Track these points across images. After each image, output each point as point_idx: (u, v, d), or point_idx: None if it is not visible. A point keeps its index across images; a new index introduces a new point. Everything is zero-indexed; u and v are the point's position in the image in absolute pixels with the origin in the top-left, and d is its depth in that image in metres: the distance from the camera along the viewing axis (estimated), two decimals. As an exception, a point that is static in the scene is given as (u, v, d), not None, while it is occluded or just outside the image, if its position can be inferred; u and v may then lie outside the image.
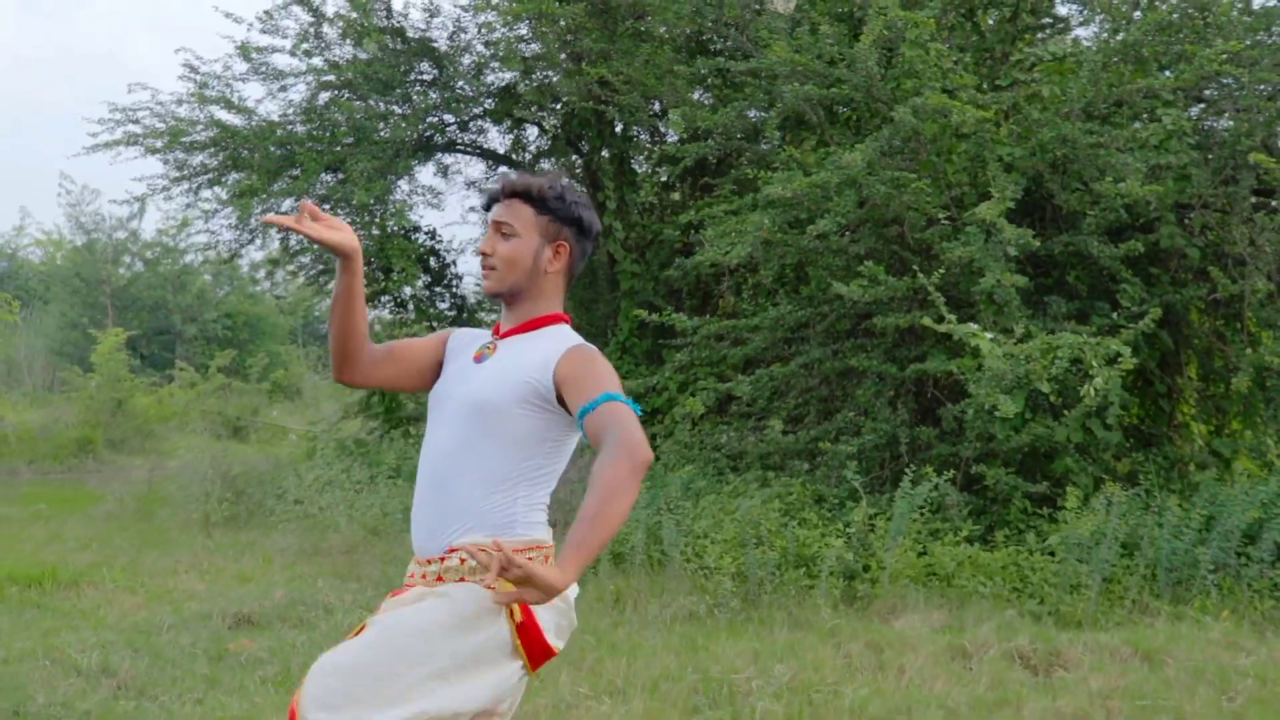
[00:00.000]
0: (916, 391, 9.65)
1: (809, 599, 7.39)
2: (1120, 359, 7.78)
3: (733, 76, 10.97)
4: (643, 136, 14.17)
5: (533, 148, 15.74)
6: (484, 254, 3.15)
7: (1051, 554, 7.76)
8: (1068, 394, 8.24)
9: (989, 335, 7.95)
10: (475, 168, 16.49)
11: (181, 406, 24.09)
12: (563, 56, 12.55)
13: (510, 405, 3.03)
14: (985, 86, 9.85)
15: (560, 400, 3.01)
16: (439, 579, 3.03)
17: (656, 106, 12.88)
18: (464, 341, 3.30)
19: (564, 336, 3.12)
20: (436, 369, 3.30)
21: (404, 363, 3.28)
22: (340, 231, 2.97)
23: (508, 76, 13.91)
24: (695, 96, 11.83)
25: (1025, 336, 8.00)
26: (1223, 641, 6.42)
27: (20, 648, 6.52)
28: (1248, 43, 9.23)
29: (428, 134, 14.10)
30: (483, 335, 3.28)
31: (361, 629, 3.04)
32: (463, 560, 2.96)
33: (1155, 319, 8.50)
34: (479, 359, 3.17)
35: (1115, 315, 8.85)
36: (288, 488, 11.33)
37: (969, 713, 5.33)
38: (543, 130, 15.04)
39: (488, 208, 3.20)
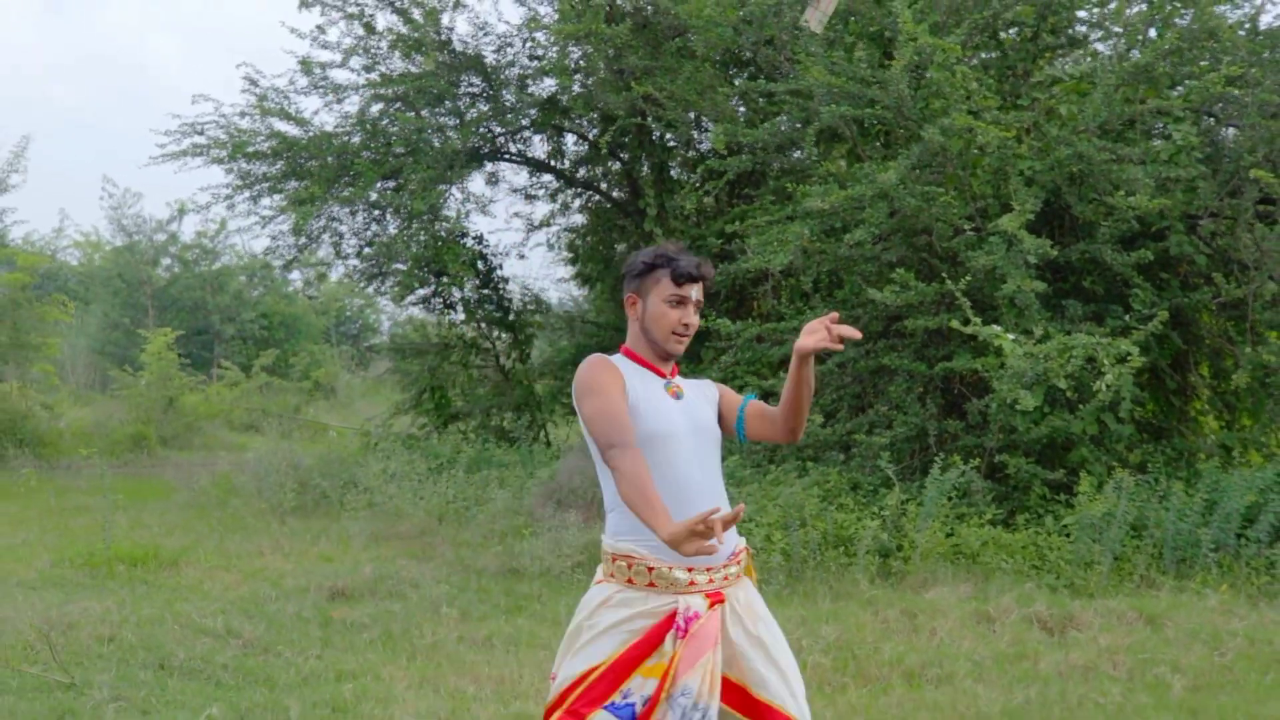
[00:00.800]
0: (944, 388, 10.40)
1: (848, 574, 8.17)
2: (1130, 358, 8.55)
3: (771, 94, 11.73)
4: (678, 147, 14.92)
5: (572, 155, 16.50)
6: (687, 326, 3.62)
7: (1067, 534, 8.53)
8: (1083, 390, 9.01)
9: (1011, 336, 8.73)
10: (519, 175, 17.25)
11: (227, 404, 24.83)
12: (602, 70, 13.25)
13: (717, 429, 3.73)
14: (1007, 104, 10.60)
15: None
16: (726, 579, 3.52)
17: (690, 118, 13.60)
18: (634, 378, 3.65)
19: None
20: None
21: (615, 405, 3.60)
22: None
23: (551, 87, 14.68)
24: (734, 110, 12.57)
25: (1044, 337, 8.77)
26: (1219, 609, 7.19)
27: (147, 614, 7.33)
28: (1252, 64, 9.96)
29: (476, 144, 14.82)
30: (638, 371, 3.67)
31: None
32: (738, 560, 3.61)
33: (1164, 321, 9.25)
34: (675, 396, 3.67)
35: (1128, 318, 9.60)
36: (358, 478, 12.08)
37: (992, 664, 6.12)
38: (584, 139, 15.77)
39: (681, 282, 3.61)
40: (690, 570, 3.45)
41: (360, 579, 8.35)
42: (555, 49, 14.18)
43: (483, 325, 16.42)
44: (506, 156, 16.08)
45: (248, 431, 23.82)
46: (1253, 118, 9.89)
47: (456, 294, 16.06)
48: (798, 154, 12.13)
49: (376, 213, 15.65)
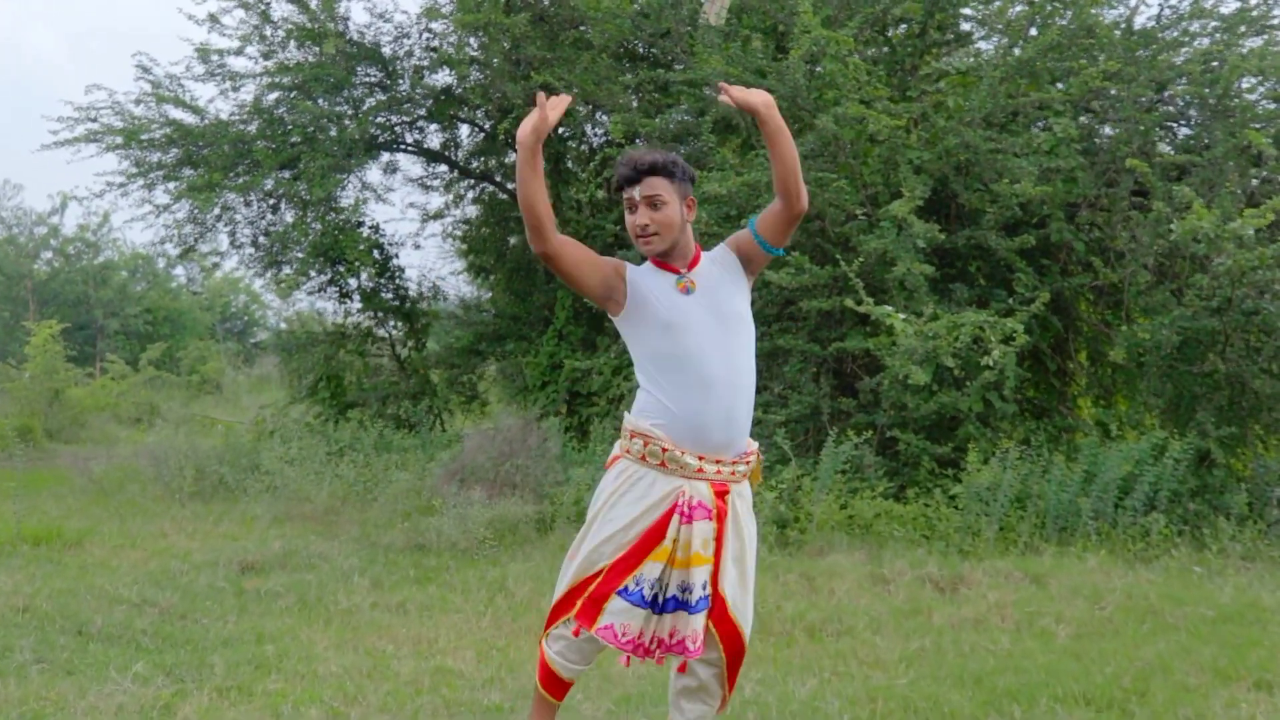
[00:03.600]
0: (837, 368, 10.76)
1: (747, 543, 8.45)
2: (1015, 337, 8.97)
3: (667, 85, 12.01)
4: (572, 139, 15.14)
5: (468, 146, 16.63)
6: (644, 226, 3.80)
7: (956, 505, 8.92)
8: (970, 369, 9.40)
9: (901, 316, 9.11)
10: (415, 165, 17.32)
11: (114, 398, 24.50)
12: (499, 60, 13.39)
13: (747, 310, 3.92)
14: (896, 97, 10.98)
15: (746, 276, 3.97)
16: (734, 475, 3.83)
17: (586, 109, 13.82)
18: (647, 277, 3.87)
19: (714, 250, 4.00)
20: (619, 289, 3.84)
21: (583, 264, 3.81)
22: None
23: (447, 77, 14.80)
24: (630, 102, 12.83)
25: (933, 317, 9.16)
26: (1099, 570, 7.60)
27: (59, 587, 7.37)
28: (1127, 61, 10.46)
29: (373, 134, 14.89)
30: (653, 272, 3.88)
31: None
32: (747, 460, 3.88)
33: (1045, 303, 9.71)
34: (685, 291, 3.82)
35: (1011, 301, 10.03)
36: (259, 462, 12.11)
37: (889, 619, 6.44)
38: (480, 129, 15.91)
39: (620, 189, 3.85)
40: (701, 458, 3.73)
41: (269, 553, 8.45)
42: (453, 40, 14.32)
43: (379, 314, 16.46)
44: (403, 147, 16.17)
45: (135, 425, 23.53)
46: (1127, 111, 10.38)
47: (353, 283, 16.09)
48: (694, 143, 12.41)
49: (271, 201, 15.64)
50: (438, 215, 17.48)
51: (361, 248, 14.72)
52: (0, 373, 23.64)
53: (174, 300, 37.02)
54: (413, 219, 30.27)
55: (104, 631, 6.30)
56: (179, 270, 37.73)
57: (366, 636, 6.29)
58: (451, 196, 17.51)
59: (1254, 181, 10.52)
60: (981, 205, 10.30)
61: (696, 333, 3.77)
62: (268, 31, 14.72)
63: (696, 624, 3.78)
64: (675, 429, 3.74)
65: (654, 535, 3.73)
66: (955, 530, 8.60)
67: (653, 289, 3.83)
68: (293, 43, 14.81)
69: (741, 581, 3.89)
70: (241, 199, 15.41)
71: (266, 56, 14.56)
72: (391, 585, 7.60)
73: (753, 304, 9.82)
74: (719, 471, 3.79)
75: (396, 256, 16.46)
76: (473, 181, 17.07)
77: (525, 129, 3.60)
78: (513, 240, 17.00)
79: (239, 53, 14.60)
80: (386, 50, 14.97)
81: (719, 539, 3.79)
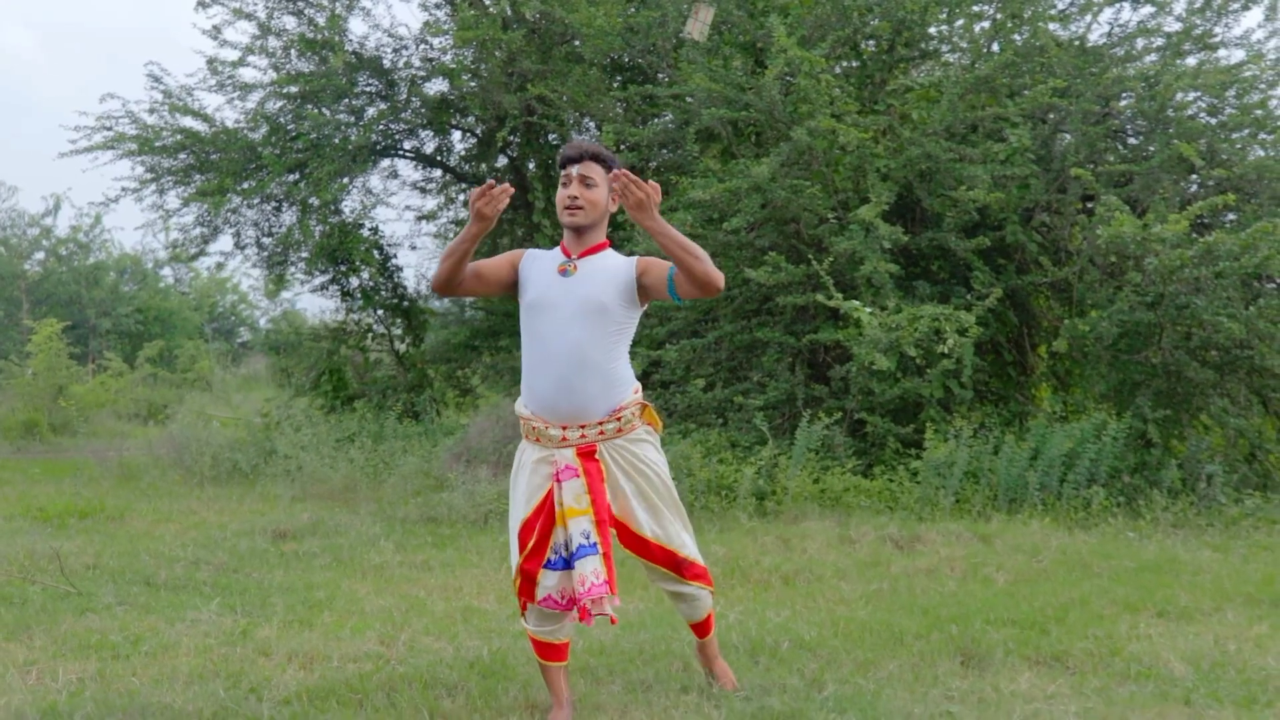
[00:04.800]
0: (810, 358, 11.74)
1: (729, 513, 9.45)
2: (969, 329, 9.97)
3: (653, 97, 12.98)
4: (558, 145, 16.05)
5: (460, 151, 17.53)
6: (574, 197, 4.33)
7: (916, 479, 9.90)
8: (930, 357, 10.39)
9: (868, 310, 10.11)
10: (410, 169, 18.20)
11: (113, 394, 25.23)
12: (495, 73, 14.25)
13: (615, 305, 4.34)
14: (865, 109, 11.96)
15: (639, 294, 4.37)
16: (601, 434, 4.37)
17: (576, 118, 14.74)
18: (537, 261, 4.46)
19: (620, 255, 4.47)
20: (513, 281, 4.48)
21: (488, 279, 4.47)
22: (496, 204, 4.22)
23: (442, 87, 15.69)
24: (619, 112, 13.77)
25: (896, 310, 10.15)
26: (1040, 533, 8.60)
27: (116, 550, 8.28)
28: (1076, 78, 11.45)
29: (375, 140, 15.76)
30: (548, 256, 4.46)
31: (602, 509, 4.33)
32: (618, 417, 4.40)
33: (999, 298, 10.75)
34: (563, 273, 4.37)
35: (969, 296, 11.02)
36: (276, 448, 13.00)
37: (853, 570, 7.42)
38: (474, 136, 16.81)
39: (562, 166, 4.37)
40: (564, 429, 4.35)
41: (299, 523, 9.36)
42: (451, 53, 15.22)
43: (378, 312, 17.34)
44: (400, 152, 17.03)
45: (134, 420, 24.32)
46: (1076, 124, 11.37)
47: (354, 282, 16.97)
48: (677, 154, 13.36)
49: (274, 204, 16.48)
50: (431, 216, 18.38)
51: (364, 249, 15.64)
52: (2, 370, 24.31)
53: (164, 300, 37.72)
54: (408, 220, 31.15)
55: (169, 582, 7.22)
56: (166, 271, 38.65)
57: (400, 585, 7.23)
58: (444, 199, 18.41)
59: (1194, 187, 11.52)
60: (943, 209, 11.28)
61: (552, 314, 4.35)
62: (270, 43, 15.52)
63: (591, 564, 4.24)
64: (534, 404, 4.41)
65: (549, 503, 4.35)
66: (915, 501, 9.59)
67: (536, 272, 4.45)
68: (294, 52, 15.62)
69: (653, 511, 4.52)
70: (246, 202, 16.23)
71: (276, 68, 15.35)
72: (413, 548, 8.53)
73: (733, 299, 10.81)
74: (583, 436, 4.38)
75: (395, 256, 17.36)
76: (464, 185, 17.96)
77: (483, 211, 4.22)
78: (504, 241, 17.92)
79: (241, 63, 15.37)
80: (386, 62, 15.84)
81: (594, 492, 4.32)
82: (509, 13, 14.19)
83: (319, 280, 17.21)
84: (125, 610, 6.44)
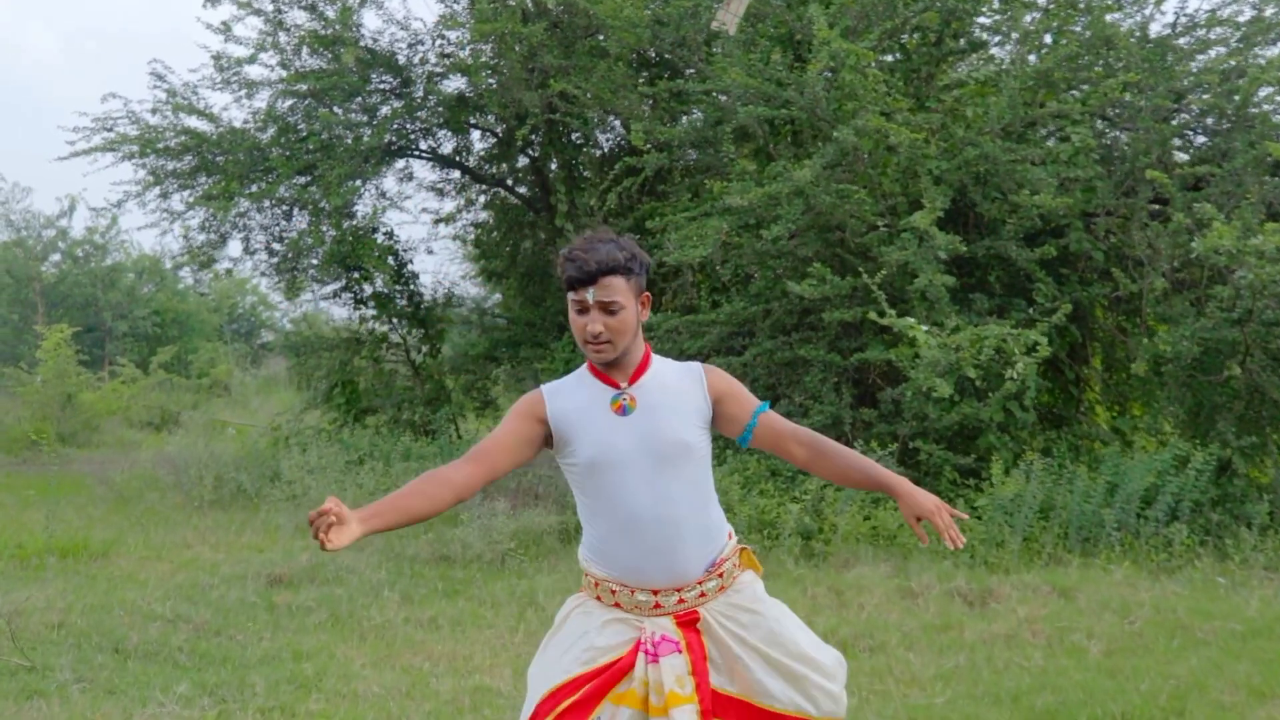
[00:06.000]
0: (857, 378, 10.82)
1: (773, 555, 8.52)
2: (1038, 348, 9.03)
3: (682, 93, 12.08)
4: (587, 145, 15.21)
5: (479, 151, 16.71)
6: (596, 334, 3.29)
7: (979, 516, 8.96)
8: (991, 380, 9.46)
9: (924, 328, 9.16)
10: (426, 170, 17.38)
11: (125, 401, 24.59)
12: (515, 68, 13.45)
13: (697, 438, 3.37)
14: (915, 107, 11.04)
15: (713, 422, 3.42)
16: (703, 596, 3.33)
17: (601, 116, 13.90)
18: (571, 401, 3.42)
19: (678, 363, 3.50)
20: (542, 438, 3.40)
21: (502, 459, 3.37)
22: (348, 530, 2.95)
23: (460, 84, 14.87)
24: (645, 109, 12.89)
25: (955, 329, 9.21)
26: (1124, 583, 7.66)
27: (90, 602, 7.44)
28: (1144, 71, 10.51)
29: (389, 140, 14.96)
30: (583, 389, 3.42)
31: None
32: (719, 573, 3.36)
33: (1066, 313, 9.75)
34: (621, 411, 3.35)
35: (1030, 310, 10.09)
36: (280, 471, 12.17)
37: (921, 634, 6.49)
38: (494, 135, 15.98)
39: (572, 289, 3.30)
40: (655, 593, 3.35)
41: (297, 566, 8.52)
42: (468, 48, 14.38)
43: (394, 320, 16.52)
44: (416, 153, 16.23)
45: (146, 429, 23.63)
46: (1145, 122, 10.43)
47: (367, 288, 16.16)
48: (709, 151, 12.46)
49: (284, 208, 15.70)
50: (448, 219, 17.57)
51: (377, 254, 14.81)
52: (11, 377, 23.69)
53: (182, 302, 37.12)
54: (424, 223, 30.44)
55: (140, 649, 6.38)
56: (185, 272, 38.02)
57: (402, 653, 6.35)
58: (463, 201, 17.59)
59: (1274, 191, 10.56)
60: (1001, 215, 10.36)
61: (624, 471, 3.37)
62: (281, 39, 14.77)
63: None
64: (615, 571, 3.40)
65: (614, 674, 3.34)
66: (980, 542, 8.65)
67: (578, 418, 3.42)
68: (305, 49, 14.85)
69: (790, 678, 3.43)
70: (255, 206, 15.47)
71: (285, 65, 14.59)
72: (421, 599, 7.66)
73: (771, 313, 9.92)
74: (680, 601, 3.40)
75: (411, 262, 16.54)
76: (484, 186, 17.14)
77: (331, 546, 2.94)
78: (526, 245, 17.09)
79: (252, 60, 14.63)
80: (401, 58, 15.03)
81: (699, 674, 3.35)
82: (529, 5, 13.33)
83: (331, 287, 16.41)
84: (82, 691, 5.58)
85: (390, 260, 15.84)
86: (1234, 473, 9.42)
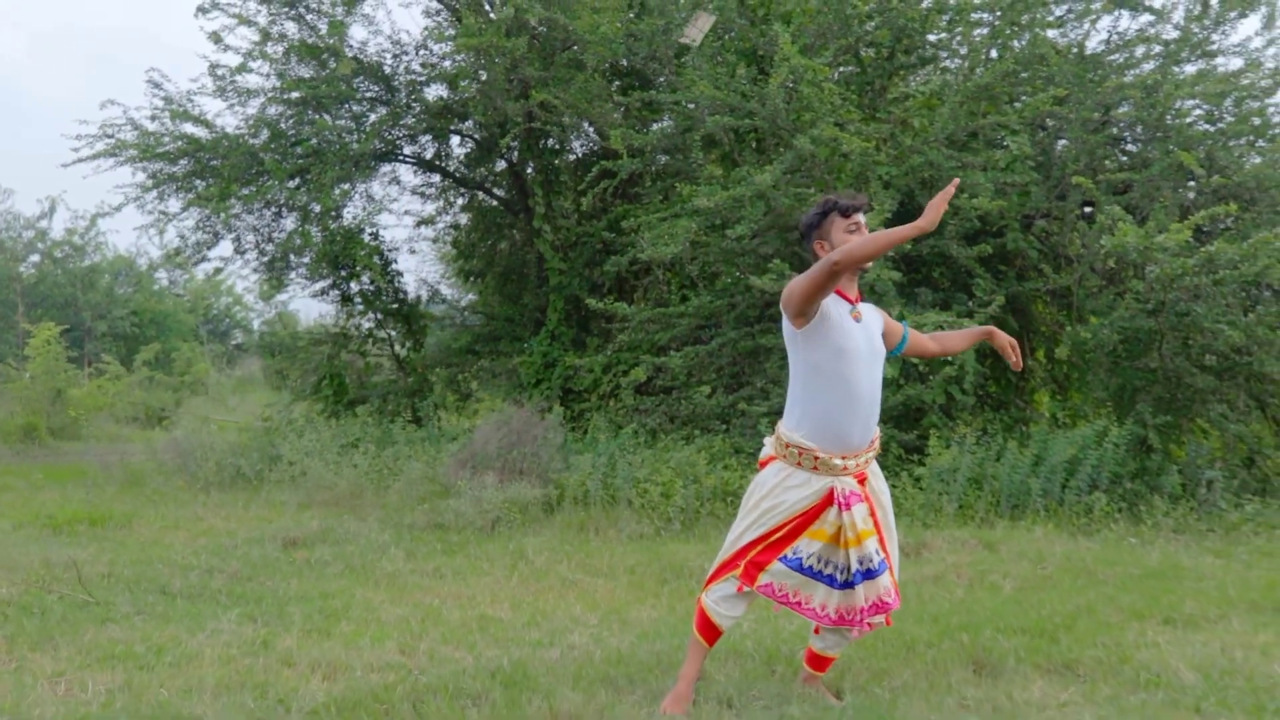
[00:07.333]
0: (813, 365, 11.78)
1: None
2: (974, 336, 10.06)
3: (652, 104, 13.07)
4: (563, 151, 16.12)
5: (459, 156, 17.60)
6: None
7: (920, 486, 9.98)
8: (933, 365, 10.48)
9: (872, 317, 10.17)
10: (409, 174, 18.22)
11: (111, 398, 25.27)
12: (497, 78, 14.31)
13: (884, 349, 4.91)
14: (867, 117, 12.05)
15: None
16: (867, 462, 4.78)
17: (577, 123, 14.81)
18: (829, 302, 4.64)
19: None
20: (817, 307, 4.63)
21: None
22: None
23: (441, 92, 15.75)
24: (617, 118, 13.84)
25: (901, 319, 10.23)
26: (1044, 539, 8.69)
27: (129, 558, 8.35)
28: (1076, 85, 11.53)
29: (376, 146, 15.80)
30: (834, 298, 4.68)
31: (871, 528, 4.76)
32: (873, 444, 4.85)
33: (1001, 305, 10.81)
34: (857, 320, 4.73)
35: (970, 304, 11.12)
36: (281, 454, 13.06)
37: (862, 577, 7.49)
38: (473, 140, 16.87)
39: (847, 214, 4.68)
40: (844, 458, 4.67)
41: (309, 530, 9.45)
42: (452, 60, 15.26)
43: (379, 316, 17.39)
44: (400, 157, 17.08)
45: (132, 424, 24.37)
46: (1076, 132, 11.47)
47: (354, 287, 17.03)
48: (679, 157, 13.42)
49: (274, 210, 16.53)
50: (429, 221, 18.47)
51: (365, 254, 15.70)
52: (0, 373, 24.32)
53: (159, 303, 37.77)
54: (407, 225, 31.31)
55: (184, 591, 7.29)
56: (161, 273, 38.70)
57: (414, 594, 7.31)
58: (443, 203, 18.48)
59: (1191, 195, 11.61)
60: (944, 217, 11.35)
61: (856, 359, 4.68)
62: (271, 48, 15.54)
63: (885, 582, 4.74)
64: (825, 438, 4.67)
65: (809, 518, 4.70)
66: (920, 507, 9.68)
67: (834, 313, 4.67)
68: (294, 58, 15.64)
69: (890, 538, 4.91)
70: (247, 208, 16.27)
71: (280, 75, 15.38)
72: (424, 555, 8.62)
73: (734, 307, 10.91)
74: (859, 464, 4.74)
75: (395, 261, 17.40)
76: (464, 190, 18.04)
77: None
78: (503, 245, 18.03)
79: (243, 70, 15.39)
80: (387, 68, 15.89)
81: (873, 513, 4.76)
82: (512, 20, 14.26)
83: (319, 285, 17.26)
84: (145, 620, 6.51)
85: (377, 259, 16.71)
86: (1151, 449, 10.46)
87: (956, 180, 4.42)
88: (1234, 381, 10.81)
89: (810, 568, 4.75)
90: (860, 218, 4.72)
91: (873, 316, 4.91)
